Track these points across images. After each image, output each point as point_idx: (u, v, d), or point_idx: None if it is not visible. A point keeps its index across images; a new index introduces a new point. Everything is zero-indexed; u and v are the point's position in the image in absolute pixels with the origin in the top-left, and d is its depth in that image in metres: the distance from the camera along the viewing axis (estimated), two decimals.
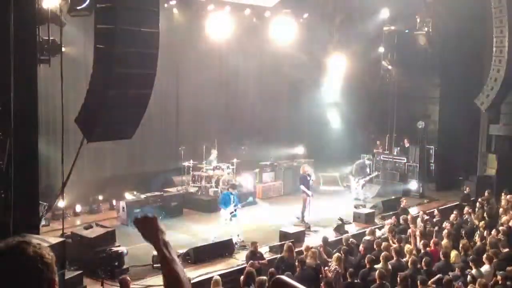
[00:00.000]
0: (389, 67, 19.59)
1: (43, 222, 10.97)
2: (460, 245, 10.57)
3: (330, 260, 10.03)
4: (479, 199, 14.79)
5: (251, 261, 9.74)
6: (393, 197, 16.63)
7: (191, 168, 15.97)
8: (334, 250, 10.75)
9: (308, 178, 14.51)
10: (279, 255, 10.52)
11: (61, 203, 11.03)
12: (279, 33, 17.49)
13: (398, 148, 19.96)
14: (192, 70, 16.82)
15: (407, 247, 10.55)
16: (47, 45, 8.89)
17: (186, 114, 17.31)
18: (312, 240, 12.26)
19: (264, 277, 8.23)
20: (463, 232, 12.09)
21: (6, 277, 1.70)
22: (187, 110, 17.26)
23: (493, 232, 11.61)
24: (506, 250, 10.38)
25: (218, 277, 8.78)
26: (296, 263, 9.46)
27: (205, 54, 16.75)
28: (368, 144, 20.54)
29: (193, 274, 10.02)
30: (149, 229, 2.21)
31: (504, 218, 12.92)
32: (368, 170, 18.29)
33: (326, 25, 18.66)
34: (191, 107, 17.12)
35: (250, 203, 15.49)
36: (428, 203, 16.81)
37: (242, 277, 8.94)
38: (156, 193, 14.78)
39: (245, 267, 9.52)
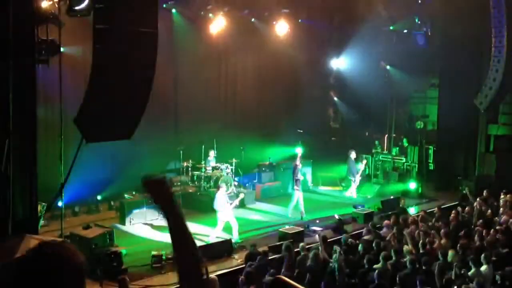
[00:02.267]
0: (388, 67, 19.62)
1: (42, 222, 10.97)
2: (459, 245, 10.57)
3: (330, 260, 10.03)
4: (478, 199, 14.79)
5: (250, 261, 9.74)
6: (392, 197, 16.64)
7: (190, 168, 15.97)
8: (332, 251, 10.74)
9: (298, 168, 14.73)
10: (278, 255, 10.53)
11: (60, 203, 11.03)
12: (278, 32, 17.49)
13: (397, 148, 19.97)
14: (191, 70, 16.81)
15: (406, 247, 10.56)
16: (46, 45, 8.89)
17: (185, 114, 17.30)
18: (311, 240, 12.28)
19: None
20: (461, 231, 12.09)
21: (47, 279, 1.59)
22: (186, 110, 17.25)
23: (492, 232, 11.62)
24: (505, 250, 10.39)
25: (215, 277, 8.77)
26: None
27: (204, 53, 16.74)
28: (367, 144, 20.54)
29: None
30: (161, 192, 2.03)
31: (502, 218, 12.93)
32: (354, 165, 18.01)
33: (325, 24, 18.67)
34: (190, 107, 17.11)
35: (248, 202, 15.58)
36: (427, 203, 16.79)
37: (241, 277, 8.94)
38: None
39: (244, 267, 9.52)
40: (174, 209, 2.02)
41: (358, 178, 17.60)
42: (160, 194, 2.03)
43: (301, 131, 17.03)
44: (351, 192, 17.51)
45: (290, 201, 14.76)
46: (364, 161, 18.17)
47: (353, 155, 17.65)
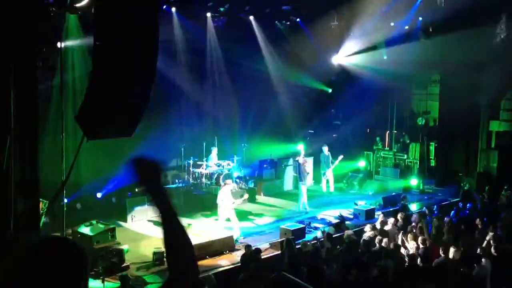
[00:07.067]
0: (388, 62, 19.56)
1: (43, 220, 10.98)
2: (460, 241, 10.58)
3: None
4: (480, 195, 14.80)
5: (245, 264, 9.65)
6: (393, 194, 16.65)
7: (191, 165, 15.98)
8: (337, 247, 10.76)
9: (303, 164, 15.01)
10: (279, 252, 10.56)
11: (61, 201, 11.03)
12: (277, 30, 17.48)
13: (399, 144, 19.96)
14: (192, 67, 16.81)
15: (410, 243, 10.56)
16: (47, 43, 8.89)
17: (186, 112, 17.30)
18: (312, 237, 12.29)
19: None
20: (463, 228, 12.09)
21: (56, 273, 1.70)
22: (187, 107, 17.26)
23: (493, 227, 11.61)
24: (506, 246, 10.39)
25: (211, 275, 8.76)
26: None
27: (204, 51, 16.74)
28: (369, 141, 20.54)
29: None
30: (151, 174, 1.96)
31: (504, 214, 12.93)
32: (330, 159, 17.76)
33: (326, 23, 18.62)
34: (192, 104, 17.11)
35: (250, 199, 15.60)
36: (429, 200, 16.81)
37: (243, 275, 8.95)
38: None
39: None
40: (164, 196, 1.95)
41: (329, 172, 17.56)
42: (151, 178, 1.97)
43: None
44: (323, 186, 17.66)
45: (300, 196, 14.95)
46: (340, 157, 17.89)
47: (325, 150, 17.65)
